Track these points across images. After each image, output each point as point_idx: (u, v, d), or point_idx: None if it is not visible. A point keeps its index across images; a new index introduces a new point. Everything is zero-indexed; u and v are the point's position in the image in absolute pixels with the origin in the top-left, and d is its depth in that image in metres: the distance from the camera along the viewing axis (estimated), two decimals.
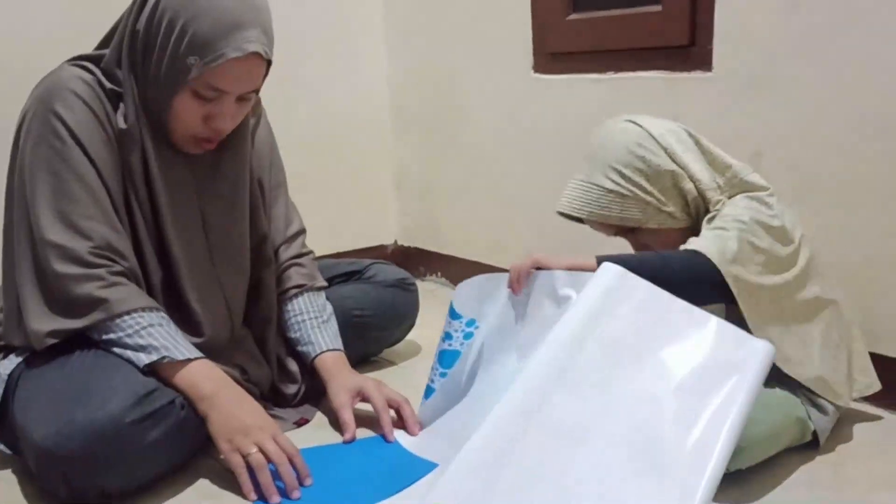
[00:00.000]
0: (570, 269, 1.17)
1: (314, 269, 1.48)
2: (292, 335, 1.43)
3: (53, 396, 1.10)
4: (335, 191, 2.32)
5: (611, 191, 1.25)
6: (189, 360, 1.17)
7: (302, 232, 1.49)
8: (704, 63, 1.55)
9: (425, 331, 1.80)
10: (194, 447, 1.22)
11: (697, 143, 1.27)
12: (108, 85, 1.20)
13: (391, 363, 1.71)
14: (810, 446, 1.24)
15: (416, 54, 2.30)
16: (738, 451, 1.09)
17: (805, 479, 1.17)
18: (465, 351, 1.27)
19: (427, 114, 2.31)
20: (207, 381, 1.17)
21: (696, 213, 1.27)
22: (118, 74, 1.20)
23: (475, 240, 2.24)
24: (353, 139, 2.35)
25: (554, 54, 1.91)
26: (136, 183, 1.22)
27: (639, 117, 1.29)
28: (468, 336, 1.29)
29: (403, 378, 1.64)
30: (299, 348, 1.41)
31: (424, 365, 1.69)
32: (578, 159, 1.88)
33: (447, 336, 1.32)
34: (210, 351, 1.25)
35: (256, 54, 1.16)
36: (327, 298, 1.49)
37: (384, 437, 1.29)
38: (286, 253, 1.44)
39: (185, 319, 1.27)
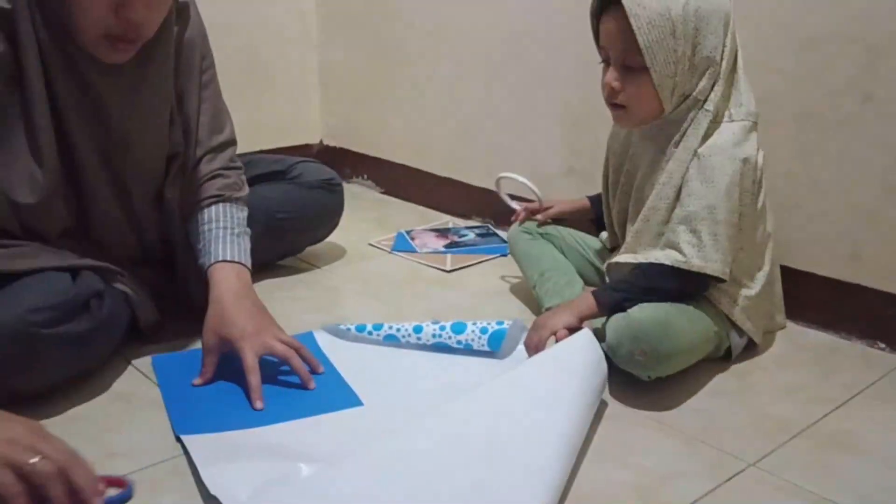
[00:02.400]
0: (581, 319, 1.22)
1: (239, 182, 1.35)
2: (196, 246, 1.28)
3: None
4: (259, 87, 2.22)
5: (671, 19, 1.14)
6: None
7: (231, 143, 1.37)
8: None
9: (348, 234, 1.78)
10: (106, 350, 1.18)
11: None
12: (2, 5, 1.06)
13: (313, 266, 1.68)
14: (725, 358, 1.28)
15: None
16: (659, 361, 1.14)
17: (714, 388, 1.21)
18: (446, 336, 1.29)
19: (354, 11, 2.20)
20: None
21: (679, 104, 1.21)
22: None
23: (403, 143, 2.19)
24: (278, 35, 2.24)
25: None
26: (34, 105, 1.09)
27: None
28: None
29: (323, 280, 1.62)
30: (199, 260, 1.26)
31: (346, 269, 1.68)
32: (509, 65, 1.85)
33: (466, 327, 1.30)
34: (117, 261, 1.19)
35: None
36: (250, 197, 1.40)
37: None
38: (209, 165, 1.32)
39: (93, 248, 1.20)
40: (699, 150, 1.19)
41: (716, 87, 1.19)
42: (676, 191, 1.21)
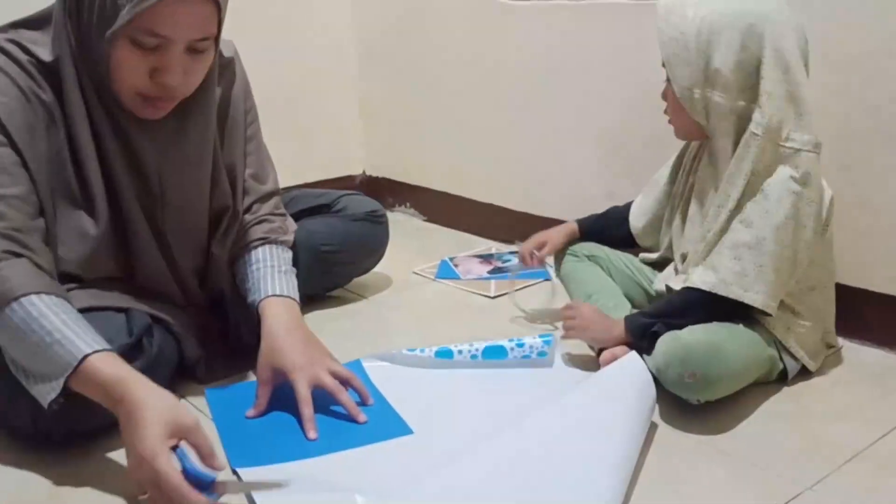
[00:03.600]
0: (612, 338, 1.26)
1: (284, 225, 1.39)
2: (244, 286, 1.30)
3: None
4: (301, 122, 2.27)
5: (683, 33, 1.18)
6: (75, 373, 0.98)
7: (275, 193, 1.39)
8: None
9: (394, 263, 1.79)
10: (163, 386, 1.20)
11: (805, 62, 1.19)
12: (44, 59, 1.10)
13: (360, 296, 1.70)
14: (780, 380, 1.26)
15: None
16: (708, 384, 1.13)
17: (767, 412, 1.19)
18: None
19: (392, 43, 2.24)
20: (104, 389, 0.98)
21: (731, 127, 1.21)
22: (58, 36, 1.09)
23: (443, 171, 2.21)
24: (318, 70, 2.29)
25: None
26: (85, 156, 1.12)
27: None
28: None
29: (370, 311, 1.64)
30: (248, 298, 1.27)
31: (392, 298, 1.70)
32: (545, 90, 1.87)
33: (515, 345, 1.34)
34: (160, 306, 1.23)
35: None
36: (296, 231, 1.44)
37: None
38: (255, 214, 1.35)
39: (137, 290, 1.23)
40: (764, 182, 1.17)
41: (759, 107, 1.17)
42: (730, 214, 1.20)
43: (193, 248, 1.28)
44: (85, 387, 0.99)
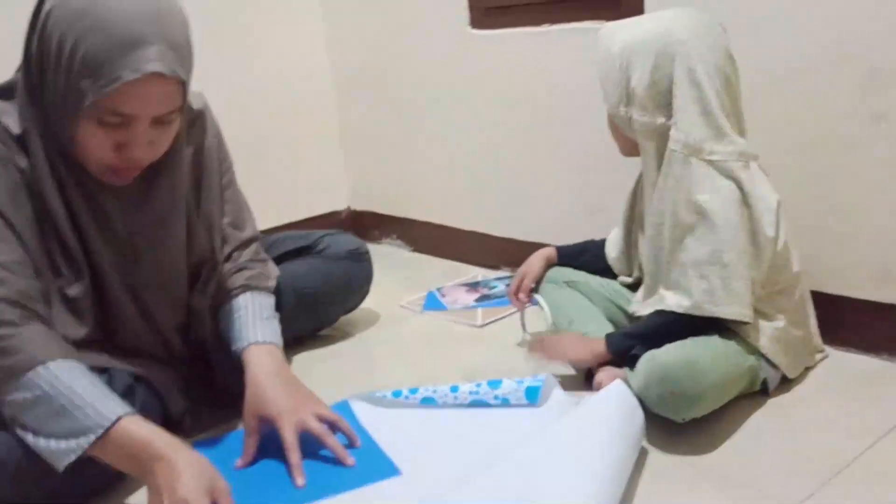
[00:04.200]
0: (593, 355, 1.29)
1: (266, 271, 1.38)
2: (227, 335, 1.30)
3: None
4: (281, 161, 2.27)
5: (611, 55, 1.27)
6: (108, 432, 1.01)
7: (254, 239, 1.39)
8: (637, 12, 1.53)
9: (381, 297, 1.80)
10: None
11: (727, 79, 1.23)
12: (13, 130, 1.11)
13: (348, 334, 1.71)
14: (761, 393, 1.26)
15: (353, 12, 2.24)
16: (689, 401, 1.13)
17: (754, 427, 1.19)
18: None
19: (368, 73, 2.26)
20: (136, 455, 1.02)
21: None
22: (22, 109, 1.10)
23: (426, 200, 2.23)
24: (294, 103, 2.29)
25: (489, 8, 1.88)
26: (59, 221, 1.13)
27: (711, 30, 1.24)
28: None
29: (357, 348, 1.65)
30: (231, 347, 1.27)
31: (381, 334, 1.70)
32: (520, 115, 1.88)
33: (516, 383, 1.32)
34: (140, 362, 1.24)
35: (158, 74, 1.03)
36: (279, 275, 1.44)
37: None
38: (235, 262, 1.35)
39: (118, 349, 1.23)
40: (697, 197, 1.20)
41: (678, 124, 1.21)
42: (671, 231, 1.23)
43: (173, 304, 1.29)
44: (111, 448, 1.02)
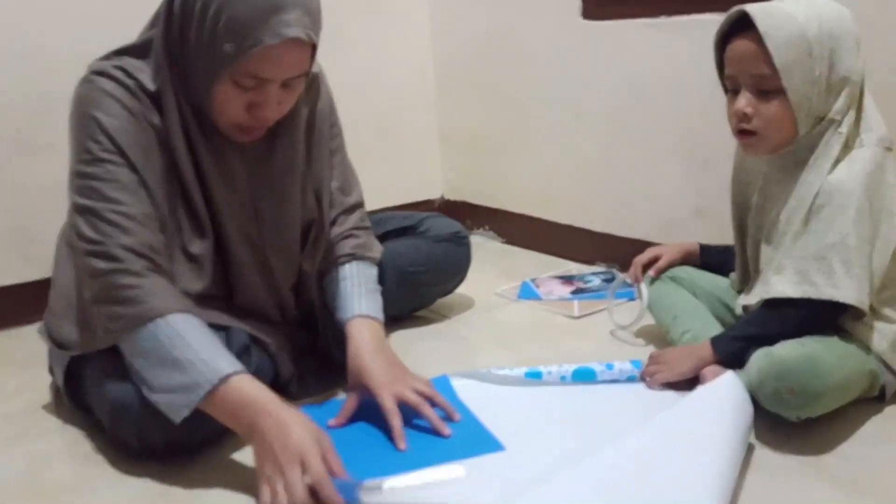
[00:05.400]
0: (697, 369, 1.23)
1: (370, 241, 1.41)
2: (332, 303, 1.34)
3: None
4: (380, 147, 2.30)
5: (807, 39, 1.14)
6: (216, 387, 1.05)
7: (360, 205, 1.42)
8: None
9: (476, 284, 1.80)
10: None
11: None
12: (148, 87, 1.15)
13: (443, 317, 1.71)
14: (878, 399, 1.21)
15: (459, 4, 2.25)
16: (809, 400, 1.09)
17: (873, 432, 1.15)
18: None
19: (472, 65, 2.27)
20: (243, 411, 1.04)
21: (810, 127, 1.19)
22: (159, 67, 1.14)
23: (522, 193, 2.22)
24: (396, 93, 2.33)
25: None
26: (187, 178, 1.18)
27: None
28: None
29: (454, 331, 1.65)
30: (336, 315, 1.31)
31: (474, 318, 1.70)
32: (630, 108, 1.86)
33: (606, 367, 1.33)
34: (257, 324, 1.26)
35: (296, 39, 1.08)
36: (382, 253, 1.45)
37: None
38: (342, 227, 1.37)
39: (236, 308, 1.26)
40: (830, 177, 1.16)
41: (850, 110, 1.17)
42: (805, 216, 1.18)
43: (289, 262, 1.32)
44: (221, 403, 1.05)
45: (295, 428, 1.01)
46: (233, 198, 1.22)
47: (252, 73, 1.09)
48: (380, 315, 1.31)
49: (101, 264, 1.09)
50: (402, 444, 1.13)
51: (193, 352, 1.06)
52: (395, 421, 1.15)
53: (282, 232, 1.29)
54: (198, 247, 1.21)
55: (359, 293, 1.32)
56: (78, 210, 1.12)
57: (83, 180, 1.12)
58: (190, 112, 1.16)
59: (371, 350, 1.23)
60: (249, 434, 1.04)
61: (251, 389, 1.05)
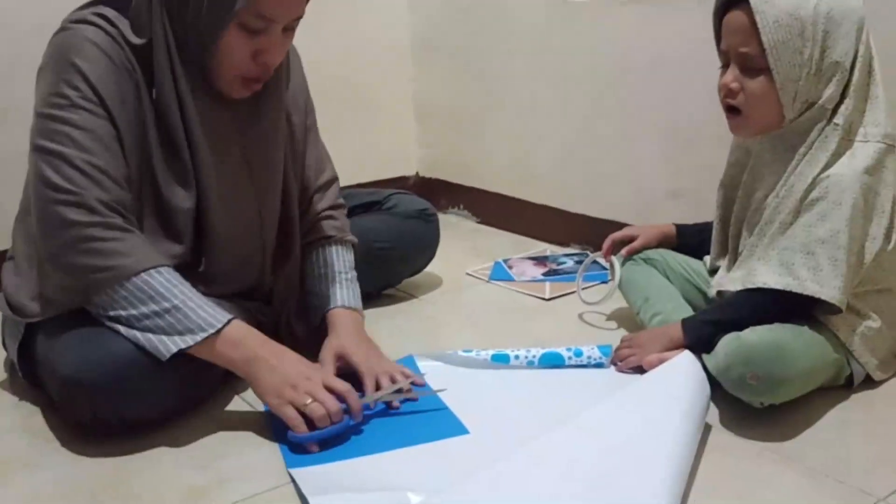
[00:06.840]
0: (666, 350, 1.21)
1: (346, 222, 1.42)
2: (311, 287, 1.35)
3: (79, 330, 1.10)
4: (355, 121, 2.26)
5: (800, 18, 1.11)
6: (219, 331, 1.08)
7: (334, 180, 1.43)
8: None
9: (445, 264, 1.78)
10: (216, 380, 1.21)
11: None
12: (130, 38, 1.12)
13: (411, 296, 1.69)
14: (845, 387, 1.21)
15: None
16: (774, 386, 1.09)
17: (837, 419, 1.14)
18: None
19: (450, 41, 2.23)
20: (242, 347, 1.10)
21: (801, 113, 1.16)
22: (147, 22, 1.12)
23: (499, 171, 2.19)
24: (372, 67, 2.28)
25: None
26: (177, 136, 1.15)
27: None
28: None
29: (422, 310, 1.63)
30: (314, 302, 1.34)
31: (444, 298, 1.69)
32: (610, 87, 1.83)
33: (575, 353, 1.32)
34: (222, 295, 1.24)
35: None
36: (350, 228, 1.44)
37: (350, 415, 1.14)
38: (320, 203, 1.38)
39: (214, 264, 1.24)
40: (830, 171, 1.13)
41: (847, 99, 1.14)
42: (795, 207, 1.16)
43: (273, 226, 1.32)
44: (223, 345, 1.09)
45: (293, 353, 1.13)
46: (222, 157, 1.20)
47: (262, 14, 1.09)
48: (359, 304, 1.34)
49: (76, 215, 1.07)
50: (359, 417, 1.13)
51: (191, 299, 1.09)
52: (369, 381, 1.19)
53: (273, 183, 1.28)
54: (183, 199, 1.17)
55: (339, 281, 1.34)
56: (43, 152, 1.09)
57: (53, 123, 1.09)
58: (181, 69, 1.13)
59: (354, 339, 1.26)
60: (248, 363, 1.09)
61: (247, 329, 1.12)
